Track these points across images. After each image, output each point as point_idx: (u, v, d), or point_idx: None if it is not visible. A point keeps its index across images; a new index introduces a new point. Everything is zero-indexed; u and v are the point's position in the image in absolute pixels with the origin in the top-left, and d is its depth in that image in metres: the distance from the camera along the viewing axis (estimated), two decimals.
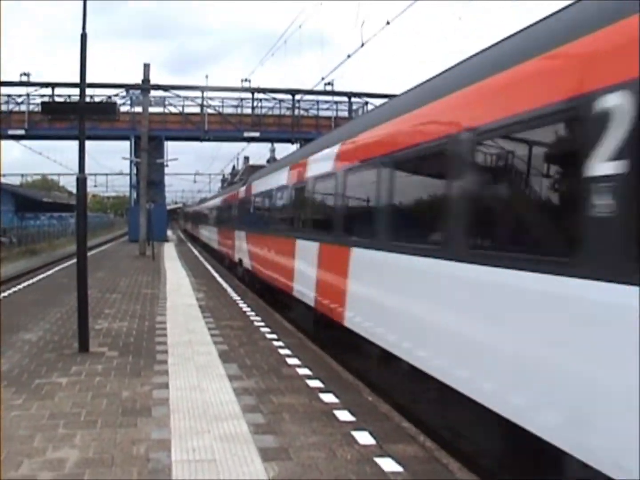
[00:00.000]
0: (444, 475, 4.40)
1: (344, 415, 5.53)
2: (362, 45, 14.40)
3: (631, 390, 3.00)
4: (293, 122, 40.05)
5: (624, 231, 3.17)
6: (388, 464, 4.44)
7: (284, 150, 41.30)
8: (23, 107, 37.77)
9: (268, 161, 39.02)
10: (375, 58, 46.34)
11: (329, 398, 6.06)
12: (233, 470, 4.28)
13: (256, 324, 10.34)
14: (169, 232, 52.21)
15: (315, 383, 6.61)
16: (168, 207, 56.38)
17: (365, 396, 6.30)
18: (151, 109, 33.34)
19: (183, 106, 39.94)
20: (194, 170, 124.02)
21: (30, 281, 16.85)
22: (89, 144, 9.11)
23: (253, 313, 11.49)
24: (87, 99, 13.21)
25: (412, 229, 6.15)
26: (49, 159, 48.12)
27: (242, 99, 40.48)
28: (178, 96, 39.56)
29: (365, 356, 7.53)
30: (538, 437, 3.73)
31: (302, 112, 41.04)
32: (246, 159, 55.56)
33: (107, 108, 10.50)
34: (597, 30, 3.52)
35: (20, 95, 37.82)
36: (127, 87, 37.20)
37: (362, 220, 7.53)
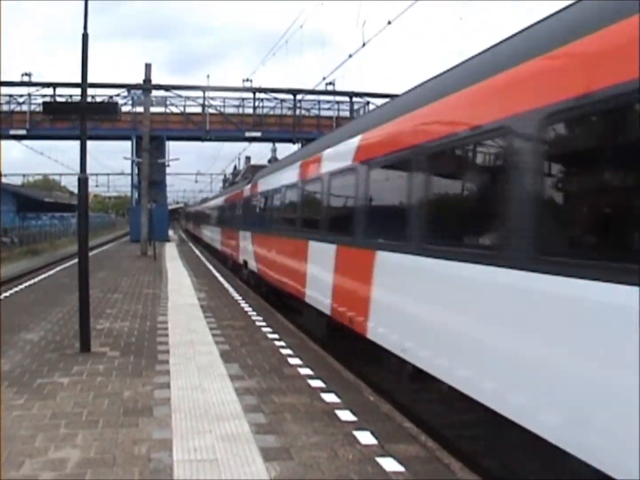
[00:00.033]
0: (445, 475, 4.39)
1: (345, 415, 5.53)
2: (364, 45, 14.43)
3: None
4: (294, 122, 40.01)
5: None
6: (390, 464, 4.44)
7: (285, 150, 41.30)
8: (24, 107, 37.77)
9: (269, 161, 38.95)
10: (377, 58, 46.29)
11: (330, 398, 6.06)
12: (234, 470, 4.28)
13: (258, 323, 10.34)
14: (171, 232, 52.28)
15: (316, 383, 6.61)
16: (169, 207, 56.44)
17: (366, 396, 6.30)
18: (153, 109, 33.40)
19: (184, 106, 39.95)
20: (195, 170, 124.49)
21: (32, 281, 16.87)
22: (90, 144, 9.12)
23: (254, 313, 11.49)
24: (89, 99, 13.22)
25: (456, 231, 5.27)
26: (51, 159, 48.22)
27: (243, 99, 40.46)
28: (179, 96, 39.55)
29: (391, 371, 6.81)
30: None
31: (303, 112, 41.00)
32: (247, 158, 55.48)
33: (109, 108, 10.53)
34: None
35: (21, 95, 37.85)
36: (129, 87, 37.18)
37: (390, 220, 6.67)
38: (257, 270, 15.72)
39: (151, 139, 30.44)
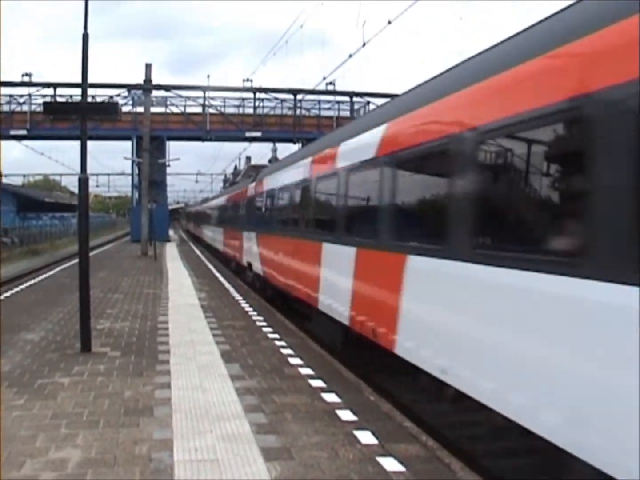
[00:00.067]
0: (446, 475, 4.39)
1: (346, 415, 5.53)
2: (364, 45, 14.43)
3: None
4: (295, 122, 40.01)
5: None
6: (390, 464, 4.44)
7: (285, 150, 41.31)
8: (25, 108, 37.80)
9: (269, 161, 38.95)
10: (377, 58, 46.25)
11: (331, 398, 6.06)
12: (235, 470, 4.28)
13: (258, 323, 10.34)
14: (171, 232, 52.29)
15: (317, 383, 6.61)
16: (170, 207, 56.43)
17: (367, 395, 6.30)
18: (153, 109, 33.42)
19: (185, 106, 39.98)
20: (195, 170, 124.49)
21: (32, 281, 16.88)
22: (90, 144, 9.13)
23: (255, 313, 11.49)
24: (89, 99, 13.22)
25: (518, 233, 4.42)
26: (51, 159, 48.29)
27: (243, 99, 40.48)
28: (180, 96, 39.58)
29: (425, 392, 6.02)
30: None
31: (303, 111, 41.03)
32: (248, 158, 55.50)
33: (109, 108, 10.51)
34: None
35: (22, 96, 37.89)
36: (129, 87, 37.20)
37: (426, 220, 5.89)
38: (262, 273, 14.97)
39: (151, 139, 30.45)
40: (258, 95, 39.92)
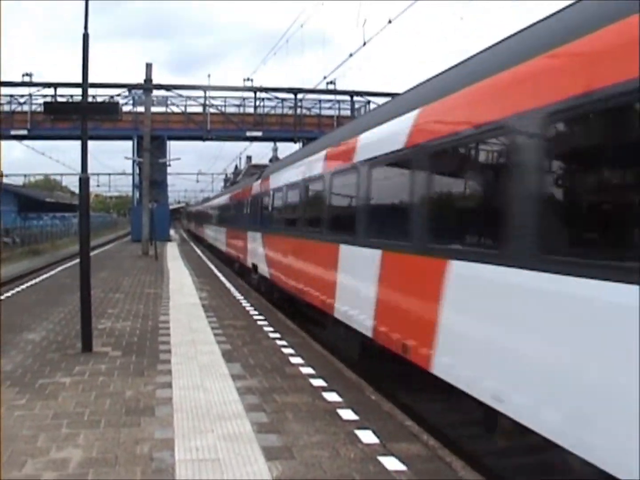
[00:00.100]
0: (447, 474, 4.39)
1: (347, 414, 5.53)
2: (364, 44, 14.46)
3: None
4: (295, 121, 39.99)
5: None
6: (392, 463, 4.43)
7: (286, 149, 41.30)
8: (25, 108, 37.82)
9: (270, 160, 38.97)
10: (377, 57, 46.22)
11: (332, 397, 6.06)
12: (237, 470, 4.28)
13: (259, 323, 10.34)
14: (172, 232, 52.31)
15: (318, 382, 6.61)
16: (170, 207, 56.45)
17: (368, 395, 6.30)
18: (153, 109, 33.42)
19: (185, 106, 39.98)
20: (196, 169, 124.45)
21: (33, 281, 16.88)
22: (91, 143, 9.13)
23: (256, 312, 11.49)
24: (90, 99, 13.23)
25: (608, 236, 3.58)
26: (52, 159, 48.49)
27: (244, 99, 40.47)
28: (180, 96, 39.57)
29: (469, 416, 5.35)
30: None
31: (304, 111, 41.02)
32: (249, 158, 55.57)
33: (110, 108, 10.50)
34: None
35: (22, 96, 37.91)
36: (130, 87, 37.19)
37: (474, 220, 5.06)
38: (269, 276, 14.02)
39: (152, 139, 30.46)
40: (259, 94, 39.91)
